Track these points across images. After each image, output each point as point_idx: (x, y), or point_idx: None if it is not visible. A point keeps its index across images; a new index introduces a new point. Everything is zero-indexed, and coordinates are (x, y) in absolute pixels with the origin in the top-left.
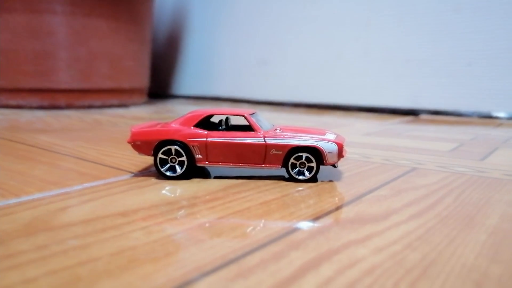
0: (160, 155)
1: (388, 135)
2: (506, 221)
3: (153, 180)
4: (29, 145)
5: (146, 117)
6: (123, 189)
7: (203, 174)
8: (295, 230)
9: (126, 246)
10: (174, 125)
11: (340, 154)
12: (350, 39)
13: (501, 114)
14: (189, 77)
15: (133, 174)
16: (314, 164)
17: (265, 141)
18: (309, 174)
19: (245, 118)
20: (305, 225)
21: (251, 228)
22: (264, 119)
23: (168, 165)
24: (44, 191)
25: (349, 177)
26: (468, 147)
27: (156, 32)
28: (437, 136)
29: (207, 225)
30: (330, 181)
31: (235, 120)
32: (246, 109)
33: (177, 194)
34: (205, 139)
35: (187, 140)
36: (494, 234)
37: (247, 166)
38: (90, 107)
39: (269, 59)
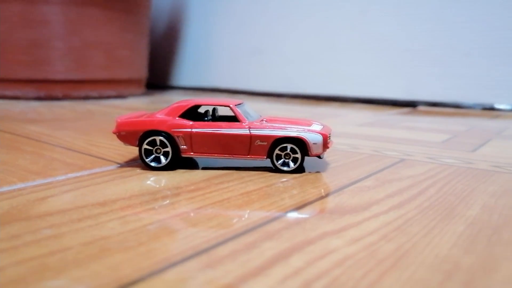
0: (145, 146)
1: (381, 126)
2: (486, 212)
3: (138, 170)
4: (17, 135)
5: (141, 107)
6: (106, 179)
7: (190, 165)
8: (272, 220)
9: (99, 236)
10: (159, 116)
11: (325, 145)
12: (346, 28)
13: (501, 106)
14: (188, 68)
15: (119, 165)
16: (299, 155)
17: (249, 132)
18: (294, 165)
19: (231, 108)
20: (283, 215)
21: (228, 218)
22: (252, 110)
23: (153, 155)
24: (26, 181)
25: (335, 168)
26: (461, 138)
27: (155, 23)
28: (431, 127)
29: (184, 215)
30: (316, 172)
31: (223, 111)
32: (233, 100)
33: (159, 185)
34: (189, 130)
35: (171, 130)
36: (472, 225)
37: (232, 157)
38: (86, 98)
39: (265, 49)
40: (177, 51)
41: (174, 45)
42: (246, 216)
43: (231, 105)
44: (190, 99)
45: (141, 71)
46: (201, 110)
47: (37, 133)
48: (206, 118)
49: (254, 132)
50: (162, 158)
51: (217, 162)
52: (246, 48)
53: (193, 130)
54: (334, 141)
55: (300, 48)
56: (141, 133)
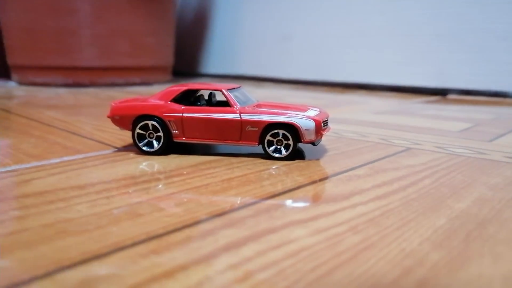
0: (137, 130)
1: (400, 115)
2: (477, 205)
3: (131, 155)
4: (31, 119)
5: None
6: (97, 163)
7: (188, 150)
8: (242, 207)
9: (62, 218)
10: (152, 100)
11: (318, 132)
12: (375, 13)
13: None
14: (215, 55)
15: (116, 149)
16: (291, 142)
17: (240, 117)
18: (286, 152)
19: (222, 93)
20: (256, 202)
21: (197, 204)
22: (250, 95)
23: (146, 140)
24: (21, 164)
25: (333, 155)
26: (483, 128)
27: (183, 11)
28: (454, 116)
29: (156, 200)
30: (310, 159)
31: (222, 96)
32: (228, 84)
33: (145, 169)
34: (180, 114)
35: (163, 115)
36: (455, 219)
37: (224, 143)
38: (112, 85)
39: (293, 35)
40: (205, 38)
41: (202, 33)
42: (217, 202)
43: (223, 90)
44: (184, 84)
45: (167, 58)
46: (199, 95)
47: (51, 118)
48: (199, 103)
49: (245, 117)
50: (155, 143)
51: (215, 148)
52: (274, 34)
53: (184, 114)
54: (332, 127)
55: (328, 34)
56: (133, 118)
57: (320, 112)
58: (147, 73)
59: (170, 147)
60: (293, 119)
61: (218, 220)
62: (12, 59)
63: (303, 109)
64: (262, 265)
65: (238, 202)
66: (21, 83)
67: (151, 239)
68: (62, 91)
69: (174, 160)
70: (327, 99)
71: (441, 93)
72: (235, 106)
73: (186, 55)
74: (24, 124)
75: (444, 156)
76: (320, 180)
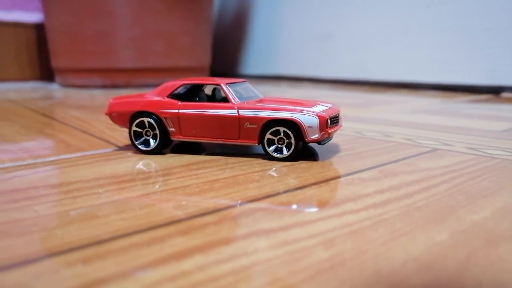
0: (134, 128)
1: (439, 114)
2: (496, 218)
3: (128, 154)
4: (52, 119)
5: None
6: (89, 161)
7: (189, 148)
8: (210, 212)
9: (13, 218)
10: (149, 96)
11: (322, 129)
12: (420, 7)
13: None
14: (254, 56)
15: (117, 148)
16: (292, 140)
17: (238, 113)
18: (287, 152)
19: (221, 87)
20: (228, 207)
21: (164, 207)
22: (256, 90)
23: (143, 138)
24: (16, 161)
25: (344, 156)
26: None
27: (223, 11)
28: (501, 115)
29: (122, 201)
30: (316, 160)
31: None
32: (232, 78)
33: (131, 169)
34: (176, 111)
35: (158, 111)
36: (461, 233)
37: (222, 141)
38: (147, 85)
39: (333, 34)
40: (244, 39)
41: (241, 33)
42: (185, 206)
43: (221, 84)
44: (183, 78)
45: (203, 59)
46: (202, 90)
47: (71, 118)
48: (197, 99)
49: (243, 113)
50: (151, 141)
51: (221, 147)
52: (314, 33)
53: (180, 111)
54: (343, 125)
55: (369, 31)
56: (130, 115)
57: (329, 108)
58: (183, 73)
59: (168, 146)
60: (294, 115)
61: (175, 226)
62: (55, 62)
63: (309, 104)
64: (195, 282)
65: (210, 206)
66: (63, 85)
67: (91, 245)
68: (98, 92)
69: (167, 160)
70: (364, 98)
71: (494, 91)
72: (233, 102)
73: (226, 56)
74: (43, 123)
75: (474, 159)
76: (317, 183)
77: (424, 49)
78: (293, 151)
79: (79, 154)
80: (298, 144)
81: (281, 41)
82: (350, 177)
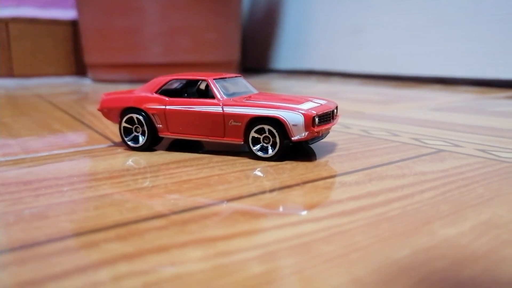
0: (123, 124)
1: (465, 111)
2: (475, 233)
3: (119, 150)
4: (66, 114)
5: None
6: (79, 157)
7: (185, 146)
8: (160, 216)
9: None
10: (137, 92)
11: (308, 127)
12: None
13: None
14: (285, 50)
15: (112, 144)
16: (277, 139)
17: (222, 110)
18: (272, 151)
19: (208, 83)
20: (182, 211)
21: (118, 208)
22: (250, 85)
23: (133, 134)
24: (8, 156)
25: (335, 157)
26: None
27: (253, 6)
28: None
29: (81, 201)
30: (303, 161)
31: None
32: (224, 73)
33: (110, 166)
34: (163, 107)
35: (145, 107)
36: (424, 252)
37: (208, 139)
38: None
39: (364, 27)
40: (274, 34)
41: (272, 28)
42: (140, 208)
43: (208, 79)
44: (173, 74)
45: (231, 54)
46: (201, 86)
47: (85, 113)
48: (186, 94)
49: (228, 110)
50: (140, 138)
51: (215, 145)
52: (345, 27)
53: (167, 107)
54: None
55: (403, 24)
56: (119, 111)
57: (320, 105)
58: (210, 68)
59: (158, 142)
60: (278, 113)
61: (116, 231)
62: (87, 58)
63: (298, 101)
64: None
65: (162, 209)
66: (94, 80)
67: (20, 248)
68: (125, 87)
69: (151, 157)
70: (390, 94)
71: None
72: (218, 98)
73: (257, 50)
74: (55, 118)
75: (479, 162)
76: (291, 186)
77: (460, 41)
78: (278, 150)
79: (71, 150)
80: (283, 143)
81: (312, 36)
82: (331, 180)
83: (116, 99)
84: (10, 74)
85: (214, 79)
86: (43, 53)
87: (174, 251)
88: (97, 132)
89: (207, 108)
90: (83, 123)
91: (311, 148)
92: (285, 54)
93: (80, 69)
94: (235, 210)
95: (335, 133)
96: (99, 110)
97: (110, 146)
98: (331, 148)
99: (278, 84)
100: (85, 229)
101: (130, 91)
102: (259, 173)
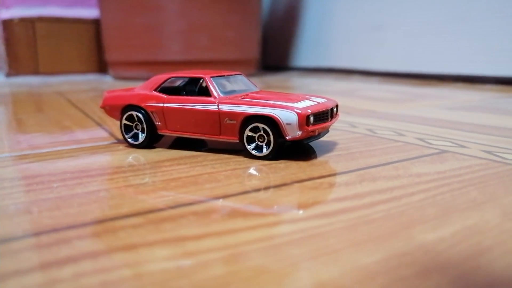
0: (124, 121)
1: (482, 110)
2: (455, 239)
3: (119, 147)
4: (80, 111)
5: None
6: (79, 153)
7: (187, 144)
8: (140, 214)
9: None
10: (137, 90)
11: (302, 126)
12: None
13: None
14: (305, 48)
15: (116, 141)
16: (271, 138)
17: (218, 108)
18: (267, 150)
19: (204, 80)
20: (163, 209)
21: (100, 206)
22: (251, 84)
23: (133, 132)
24: (13, 152)
25: (333, 156)
26: None
27: (274, 4)
28: None
29: (64, 198)
30: (298, 160)
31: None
32: (223, 71)
33: (108, 163)
34: (161, 105)
35: (144, 105)
36: (395, 258)
37: (204, 137)
38: None
39: (384, 24)
40: (295, 31)
41: (293, 26)
42: (122, 206)
43: (205, 77)
44: (172, 72)
45: (250, 51)
46: (202, 84)
47: (98, 110)
48: (184, 92)
49: (223, 108)
50: (140, 135)
51: (213, 143)
52: (365, 24)
53: (165, 105)
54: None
55: (425, 21)
56: (120, 108)
57: (317, 104)
58: (228, 66)
59: (158, 140)
60: (272, 111)
61: (93, 228)
62: (108, 55)
63: (294, 100)
64: None
65: (143, 207)
66: (115, 77)
67: None
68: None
69: (150, 154)
70: (408, 93)
71: None
72: (214, 95)
73: (278, 48)
74: (68, 115)
75: (481, 164)
76: (279, 186)
77: (485, 38)
78: (272, 149)
79: (74, 146)
80: (277, 142)
81: (332, 33)
82: (320, 180)
83: (117, 97)
84: (36, 71)
85: (211, 76)
86: (67, 51)
87: (142, 250)
88: (104, 129)
89: (203, 106)
90: (93, 120)
91: (311, 147)
92: (306, 52)
93: (102, 66)
94: (214, 210)
95: (339, 132)
96: (101, 107)
97: (113, 143)
98: (331, 147)
99: (296, 82)
100: (62, 225)
101: (131, 89)
102: (250, 172)
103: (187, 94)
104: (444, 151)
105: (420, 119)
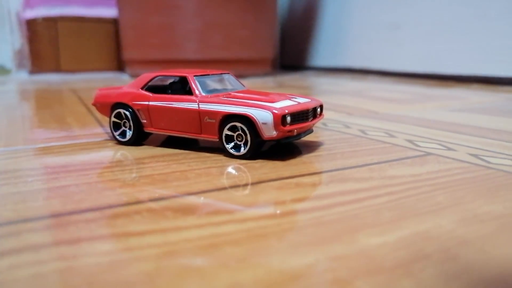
0: (113, 119)
1: (486, 113)
2: (400, 243)
3: (109, 144)
4: (86, 108)
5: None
6: (68, 149)
7: (177, 142)
8: (98, 209)
9: None
10: (126, 88)
11: (277, 126)
12: None
13: None
14: (323, 48)
15: (109, 138)
16: (248, 137)
17: (198, 106)
18: (244, 149)
19: (187, 79)
20: (121, 205)
21: (63, 200)
22: (239, 83)
23: (122, 129)
24: (8, 147)
25: (311, 157)
26: None
27: (293, 3)
28: None
29: (35, 191)
30: (276, 159)
31: (216, 83)
32: (210, 70)
33: (91, 159)
34: (147, 103)
35: (131, 103)
36: (339, 259)
37: (186, 135)
38: None
39: (402, 23)
40: (313, 31)
41: (311, 25)
42: (85, 201)
43: (188, 76)
44: (159, 71)
45: (264, 51)
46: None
47: None
48: (169, 91)
49: (203, 107)
50: (127, 132)
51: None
52: (382, 24)
53: (150, 103)
54: (316, 122)
55: (442, 20)
56: (109, 106)
57: (298, 103)
58: (242, 65)
59: (145, 137)
60: (248, 110)
61: (48, 221)
62: (125, 54)
63: (275, 99)
64: None
65: (105, 202)
66: (132, 75)
67: None
68: None
69: (134, 151)
70: (419, 94)
71: None
72: (196, 94)
73: (296, 48)
74: (73, 111)
75: (463, 167)
76: (244, 185)
77: (505, 38)
78: (249, 148)
79: (67, 142)
80: (254, 141)
81: (350, 33)
82: (289, 181)
83: (107, 95)
84: (58, 69)
85: (194, 75)
86: (88, 50)
87: (84, 244)
88: (102, 126)
89: (184, 104)
90: (95, 117)
91: (296, 147)
92: (324, 52)
93: (121, 65)
94: (170, 207)
95: (330, 132)
96: (93, 104)
97: (105, 140)
98: (315, 147)
99: (308, 82)
100: (21, 218)
101: (121, 87)
102: (222, 171)
103: (173, 93)
104: (428, 154)
105: (419, 121)
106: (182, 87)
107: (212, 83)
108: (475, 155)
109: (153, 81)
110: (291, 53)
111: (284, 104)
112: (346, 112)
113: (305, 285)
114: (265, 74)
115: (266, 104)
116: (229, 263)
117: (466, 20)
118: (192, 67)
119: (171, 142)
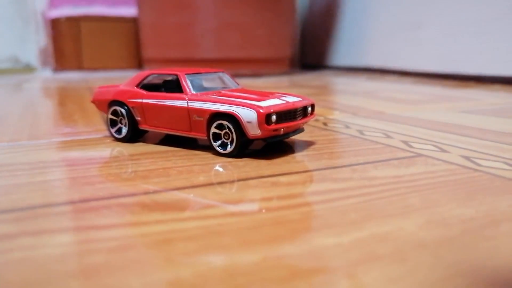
0: (110, 116)
1: (496, 115)
2: (351, 245)
3: (107, 141)
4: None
5: (261, 86)
6: (66, 145)
7: (177, 140)
8: (69, 203)
9: None
10: (122, 86)
11: (261, 125)
12: None
13: None
14: (343, 47)
15: (109, 135)
16: (234, 135)
17: (187, 104)
18: (230, 147)
19: (178, 77)
20: (95, 200)
21: (40, 194)
22: (233, 81)
23: (118, 126)
24: (12, 142)
25: (299, 156)
26: None
27: (313, 2)
28: None
29: (23, 184)
30: (262, 158)
31: (210, 82)
32: (203, 68)
33: (83, 155)
34: (140, 101)
35: (126, 101)
36: (286, 258)
37: (177, 133)
38: None
39: (423, 22)
40: (333, 30)
41: (331, 24)
42: (58, 195)
43: (179, 74)
44: (154, 69)
45: (282, 50)
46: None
47: None
48: (163, 89)
49: (192, 105)
50: (123, 129)
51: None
52: (402, 23)
53: (144, 101)
54: (304, 121)
55: (463, 20)
56: (107, 103)
57: (285, 102)
58: (259, 65)
59: (141, 134)
60: (234, 109)
61: (20, 213)
62: (144, 53)
63: (262, 98)
64: None
65: (81, 196)
66: None
67: None
68: None
69: (128, 148)
70: (433, 94)
71: None
72: (186, 92)
73: (315, 47)
74: (83, 109)
75: (449, 170)
76: (221, 183)
77: None
78: (235, 147)
79: (67, 138)
80: (240, 140)
81: (370, 32)
82: (266, 179)
83: (105, 92)
84: (80, 67)
85: (185, 74)
86: (109, 48)
87: (46, 236)
88: (105, 123)
89: (175, 102)
90: (101, 114)
91: (288, 146)
92: (343, 51)
93: (141, 63)
94: (140, 203)
95: (327, 132)
96: (92, 102)
97: (105, 136)
98: (305, 147)
99: (322, 81)
100: None
101: (118, 85)
102: (205, 169)
103: (166, 91)
104: (419, 155)
105: (422, 122)
106: (175, 86)
107: (205, 82)
108: (467, 157)
109: (148, 79)
110: (312, 52)
111: (271, 103)
112: (352, 112)
113: (242, 283)
114: (282, 73)
115: (252, 103)
116: (175, 258)
117: (488, 20)
118: (209, 66)
119: (169, 140)
